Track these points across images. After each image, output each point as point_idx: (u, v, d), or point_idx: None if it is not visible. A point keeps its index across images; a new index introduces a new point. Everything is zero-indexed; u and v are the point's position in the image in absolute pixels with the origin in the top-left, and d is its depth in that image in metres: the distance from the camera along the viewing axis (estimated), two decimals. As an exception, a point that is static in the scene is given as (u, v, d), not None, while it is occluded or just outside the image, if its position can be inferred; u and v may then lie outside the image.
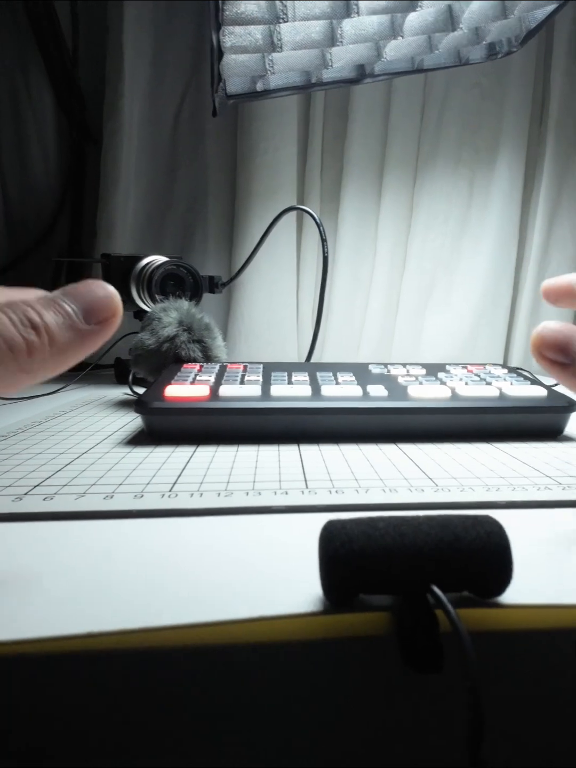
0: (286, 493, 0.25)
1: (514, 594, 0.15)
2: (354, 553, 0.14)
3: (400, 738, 0.15)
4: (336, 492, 0.26)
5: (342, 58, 0.56)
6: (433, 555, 0.14)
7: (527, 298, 0.84)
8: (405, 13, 0.46)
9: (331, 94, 0.81)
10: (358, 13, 0.44)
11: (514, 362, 0.86)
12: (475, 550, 0.14)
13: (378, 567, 0.14)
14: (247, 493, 0.25)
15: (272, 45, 0.49)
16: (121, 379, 0.65)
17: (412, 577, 0.14)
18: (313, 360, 0.66)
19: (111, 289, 0.20)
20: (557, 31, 0.79)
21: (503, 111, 0.80)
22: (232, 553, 0.20)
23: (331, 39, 0.49)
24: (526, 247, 0.85)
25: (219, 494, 0.25)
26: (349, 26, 0.48)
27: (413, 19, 0.48)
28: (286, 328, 0.83)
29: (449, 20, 0.49)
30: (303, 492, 0.26)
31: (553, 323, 0.21)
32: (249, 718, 0.15)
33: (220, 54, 0.49)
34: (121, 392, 0.57)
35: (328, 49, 0.54)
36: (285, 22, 0.43)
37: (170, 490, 0.26)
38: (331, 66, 0.57)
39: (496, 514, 0.16)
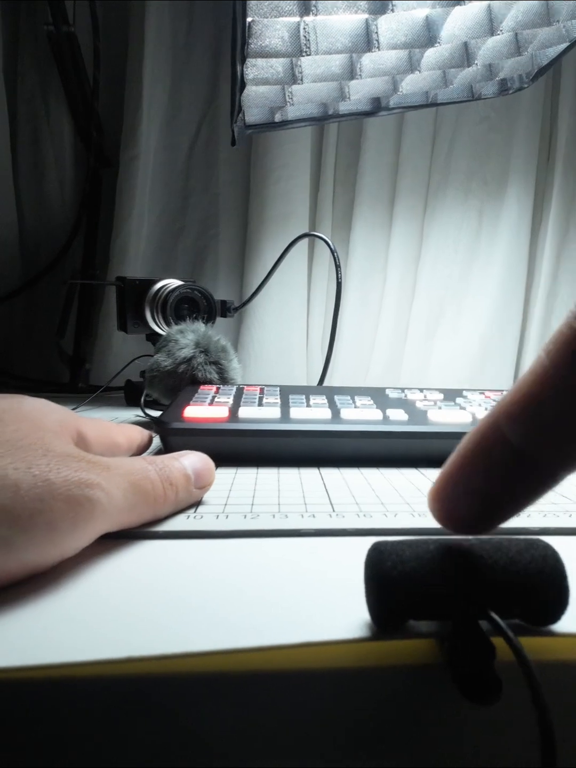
0: (313, 516, 0.25)
1: (568, 622, 0.15)
2: (407, 575, 0.13)
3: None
4: (364, 516, 0.25)
5: (359, 91, 0.58)
6: (488, 578, 0.13)
7: (536, 327, 0.84)
8: (424, 48, 0.47)
9: (344, 126, 0.83)
10: (378, 47, 0.45)
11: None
12: (532, 574, 0.13)
13: (432, 590, 0.13)
14: (274, 516, 0.25)
15: (293, 77, 0.50)
16: (130, 401, 0.65)
17: (467, 601, 0.13)
18: (324, 384, 0.66)
19: (211, 463, 0.27)
20: (565, 68, 0.81)
21: (511, 144, 0.82)
22: (262, 576, 0.19)
23: (351, 72, 0.50)
24: (534, 277, 0.86)
25: (245, 517, 0.25)
26: (368, 60, 0.49)
27: (430, 55, 0.50)
28: (296, 353, 0.83)
29: (465, 56, 0.51)
30: (330, 515, 0.25)
31: None
32: (287, 749, 0.14)
33: (243, 85, 0.50)
34: (133, 414, 0.56)
35: (346, 82, 0.55)
36: (308, 55, 0.44)
37: (195, 511, 0.25)
38: (349, 98, 0.58)
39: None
